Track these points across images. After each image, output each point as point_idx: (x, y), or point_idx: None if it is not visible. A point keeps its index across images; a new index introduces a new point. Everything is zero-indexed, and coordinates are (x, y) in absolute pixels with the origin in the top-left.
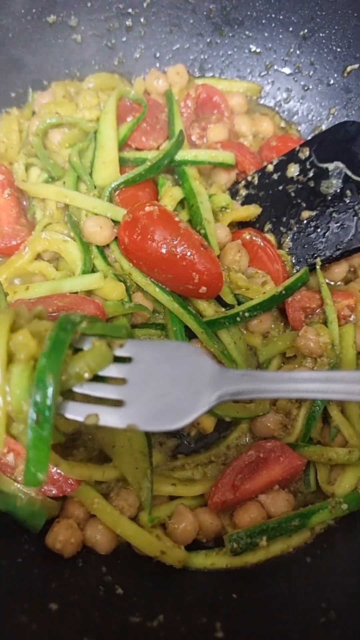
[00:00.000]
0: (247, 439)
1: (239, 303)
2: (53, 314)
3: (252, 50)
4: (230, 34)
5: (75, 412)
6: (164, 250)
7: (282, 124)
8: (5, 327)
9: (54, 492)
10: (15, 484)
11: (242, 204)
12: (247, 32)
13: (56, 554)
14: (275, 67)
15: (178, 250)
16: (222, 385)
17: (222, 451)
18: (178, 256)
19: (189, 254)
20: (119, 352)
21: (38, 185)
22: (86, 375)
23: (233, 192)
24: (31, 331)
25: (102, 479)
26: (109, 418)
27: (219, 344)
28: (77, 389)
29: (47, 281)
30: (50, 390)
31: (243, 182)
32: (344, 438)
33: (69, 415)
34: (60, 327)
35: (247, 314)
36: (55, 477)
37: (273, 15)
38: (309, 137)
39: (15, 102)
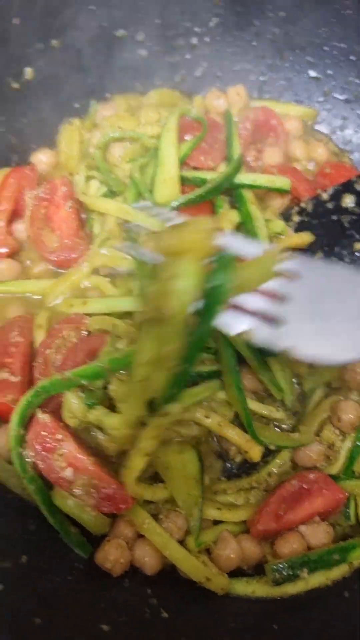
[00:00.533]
0: (289, 467)
1: None
2: None
3: (312, 75)
4: (291, 58)
5: (231, 325)
6: None
7: (336, 151)
8: None
9: (107, 509)
10: (72, 499)
11: (295, 230)
12: (308, 58)
13: (103, 572)
14: (334, 94)
15: None
16: None
17: (263, 477)
18: None
19: None
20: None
21: (100, 199)
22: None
23: (286, 218)
24: None
25: (152, 499)
26: (266, 335)
27: (269, 373)
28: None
29: (105, 298)
30: None
31: (297, 209)
32: None
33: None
34: None
35: None
36: (111, 494)
37: (335, 43)
38: None
39: (77, 113)
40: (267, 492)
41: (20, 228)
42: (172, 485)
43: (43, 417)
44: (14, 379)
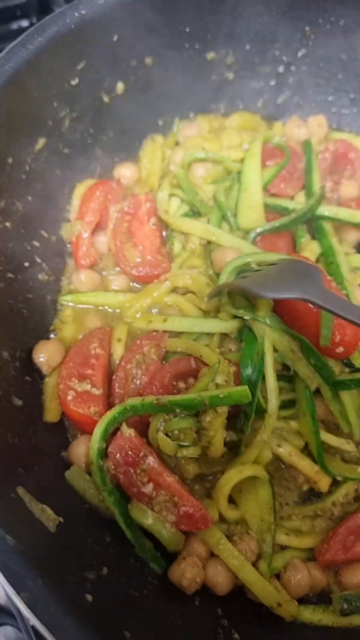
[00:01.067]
0: (353, 497)
1: None
2: None
3: None
4: None
5: None
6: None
7: None
8: None
9: (185, 527)
10: (152, 513)
11: None
12: None
13: (175, 589)
14: None
15: None
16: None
17: (327, 506)
18: None
19: None
20: None
21: (183, 219)
22: None
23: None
24: None
25: (225, 516)
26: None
27: (340, 405)
28: None
29: (187, 317)
30: None
31: None
32: None
33: None
34: None
35: None
36: (191, 512)
37: None
38: None
39: (161, 130)
40: (331, 521)
41: (102, 240)
42: (246, 510)
43: (129, 431)
44: (96, 391)
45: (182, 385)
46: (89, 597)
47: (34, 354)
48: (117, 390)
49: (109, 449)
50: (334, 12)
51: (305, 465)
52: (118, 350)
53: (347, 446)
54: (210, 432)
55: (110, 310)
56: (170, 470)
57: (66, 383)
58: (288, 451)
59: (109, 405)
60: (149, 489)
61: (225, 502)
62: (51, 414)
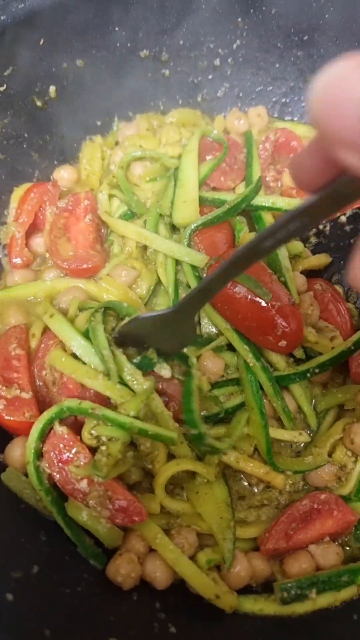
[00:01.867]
0: (301, 485)
1: (307, 357)
2: None
3: None
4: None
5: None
6: (253, 298)
7: None
8: None
9: (120, 521)
10: (87, 510)
11: (312, 252)
12: None
13: (113, 585)
14: None
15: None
16: None
17: (274, 495)
18: (265, 305)
19: (277, 306)
20: None
21: (120, 221)
22: None
23: (303, 239)
24: None
25: (179, 513)
26: None
27: (282, 401)
28: None
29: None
30: None
31: (314, 230)
32: None
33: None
34: None
35: (317, 370)
36: (125, 506)
37: None
38: None
39: (100, 130)
40: (278, 510)
41: (39, 242)
42: (203, 510)
43: (61, 429)
44: (25, 395)
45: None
46: (9, 596)
47: None
48: (44, 397)
49: (44, 448)
50: (265, 1)
51: (254, 468)
52: (33, 347)
53: (301, 437)
54: (154, 453)
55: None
56: None
57: None
58: (235, 458)
59: (40, 407)
60: (83, 485)
61: (162, 492)
62: None
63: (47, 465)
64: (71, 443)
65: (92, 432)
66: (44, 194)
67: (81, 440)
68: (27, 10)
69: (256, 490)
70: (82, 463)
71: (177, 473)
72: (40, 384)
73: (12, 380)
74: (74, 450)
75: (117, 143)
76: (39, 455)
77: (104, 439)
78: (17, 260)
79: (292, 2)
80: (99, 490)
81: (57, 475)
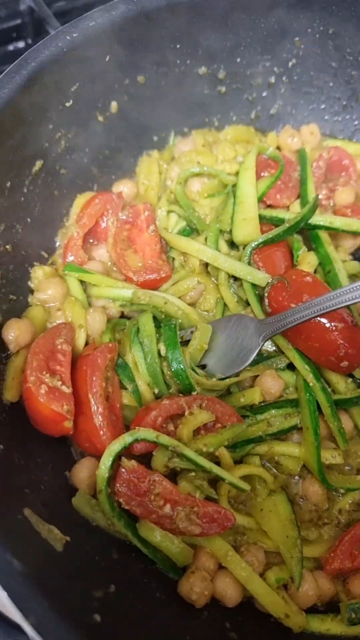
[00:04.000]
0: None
1: None
2: None
3: None
4: None
5: None
6: (316, 319)
7: None
8: None
9: (214, 530)
10: (159, 530)
11: None
12: None
13: (184, 602)
14: None
15: (330, 320)
16: (262, 330)
17: (334, 514)
18: (328, 326)
19: (340, 326)
20: None
21: (182, 238)
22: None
23: (357, 258)
24: None
25: (245, 528)
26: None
27: (339, 422)
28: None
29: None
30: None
31: None
32: None
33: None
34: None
35: None
36: (214, 515)
37: None
38: None
39: (156, 145)
40: (339, 529)
41: (102, 253)
42: (269, 528)
43: (130, 463)
44: (66, 389)
45: (170, 427)
46: (97, 617)
47: (4, 330)
48: (98, 413)
49: (117, 488)
50: (322, 21)
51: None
52: (80, 339)
53: (333, 459)
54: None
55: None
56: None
57: (38, 375)
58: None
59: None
60: (167, 510)
61: (226, 502)
62: (11, 393)
63: (123, 502)
64: (145, 474)
65: (167, 464)
66: (108, 202)
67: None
68: (96, 28)
69: (316, 509)
70: (162, 489)
71: (238, 490)
72: (98, 394)
73: (56, 372)
74: (150, 480)
75: (173, 158)
76: (109, 482)
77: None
78: (71, 258)
79: (348, 22)
80: (185, 510)
81: (138, 509)
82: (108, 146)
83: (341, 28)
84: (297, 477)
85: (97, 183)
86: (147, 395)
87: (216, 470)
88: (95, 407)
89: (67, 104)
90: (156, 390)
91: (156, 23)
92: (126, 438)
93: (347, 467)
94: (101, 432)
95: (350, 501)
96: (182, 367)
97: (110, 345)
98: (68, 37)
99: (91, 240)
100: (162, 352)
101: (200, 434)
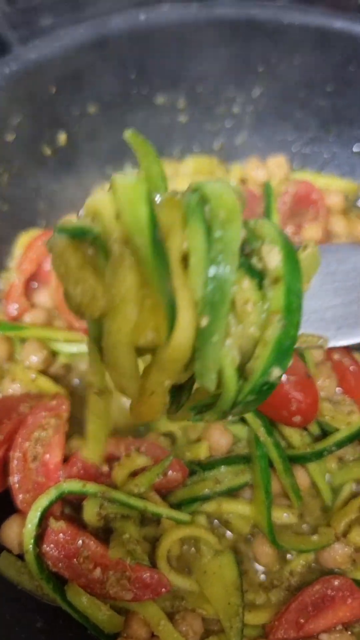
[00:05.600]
0: (312, 566)
1: (323, 430)
2: None
3: (356, 151)
4: (337, 132)
5: None
6: None
7: None
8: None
9: (147, 596)
10: (86, 596)
11: None
12: (354, 132)
13: None
14: None
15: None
16: None
17: (285, 576)
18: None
19: (292, 379)
20: None
21: None
22: None
23: None
24: None
25: (186, 591)
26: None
27: (292, 478)
28: None
29: None
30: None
31: None
32: None
33: None
34: None
35: (334, 448)
36: (148, 581)
37: None
38: None
39: (110, 178)
40: (289, 592)
41: (44, 297)
42: (210, 593)
43: (59, 524)
44: None
45: (105, 468)
46: None
47: None
48: (15, 473)
49: (44, 549)
50: (288, 50)
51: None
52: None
53: (285, 518)
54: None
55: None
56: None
57: None
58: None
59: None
60: (97, 574)
61: (165, 564)
62: None
63: (50, 564)
64: (74, 535)
65: (100, 511)
66: None
67: (80, 527)
68: (38, 59)
69: (266, 571)
70: (91, 552)
71: (182, 550)
72: (19, 454)
73: None
74: (79, 542)
75: None
76: (38, 541)
77: (111, 515)
78: (13, 308)
79: (313, 53)
80: (116, 574)
81: (66, 572)
82: (57, 180)
83: (307, 58)
84: (249, 536)
85: (45, 219)
86: None
87: (151, 507)
88: (13, 470)
89: (9, 139)
90: None
91: (110, 52)
92: (52, 493)
93: (304, 525)
94: (19, 497)
95: (302, 563)
96: None
97: (53, 403)
98: (7, 70)
99: (34, 285)
100: None
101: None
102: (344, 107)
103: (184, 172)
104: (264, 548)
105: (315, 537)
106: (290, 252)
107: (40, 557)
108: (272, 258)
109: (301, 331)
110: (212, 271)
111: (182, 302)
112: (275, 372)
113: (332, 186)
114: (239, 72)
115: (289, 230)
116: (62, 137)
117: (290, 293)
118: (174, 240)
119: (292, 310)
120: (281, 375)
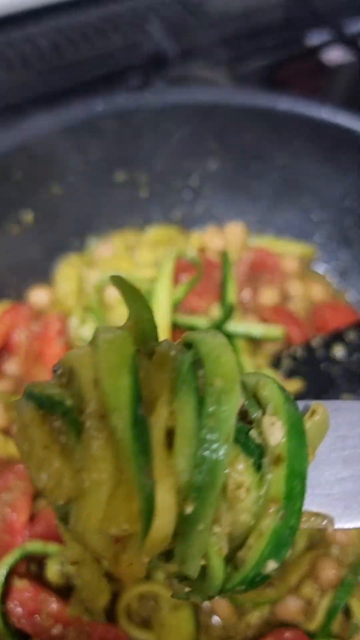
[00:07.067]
0: (268, 618)
1: None
2: None
3: (310, 217)
4: (290, 201)
5: None
6: None
7: (332, 291)
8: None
9: None
10: None
11: (285, 375)
12: (306, 201)
13: None
14: (331, 235)
15: None
16: None
17: (241, 629)
18: None
19: None
20: None
21: None
22: None
23: (276, 362)
24: None
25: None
26: None
27: None
28: None
29: None
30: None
31: (287, 352)
32: None
33: None
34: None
35: None
36: (105, 637)
37: (332, 191)
38: (356, 308)
39: (77, 249)
40: None
41: (13, 367)
42: None
43: (22, 583)
44: None
45: None
46: None
47: None
48: None
49: (9, 606)
50: (238, 129)
51: None
52: None
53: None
54: None
55: None
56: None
57: None
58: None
59: None
60: (58, 630)
61: (124, 619)
62: None
63: (15, 620)
64: (37, 592)
65: (62, 569)
66: (17, 318)
67: (43, 585)
68: (4, 150)
69: (224, 624)
70: (52, 608)
71: (142, 603)
72: None
73: None
74: (40, 598)
75: (94, 263)
76: (4, 598)
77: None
78: None
79: (262, 130)
80: (76, 630)
81: (29, 628)
82: (25, 254)
83: (256, 135)
84: None
85: (13, 289)
86: None
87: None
88: None
89: None
90: None
91: (71, 138)
92: (16, 553)
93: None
94: None
95: (258, 615)
96: None
97: (20, 467)
98: None
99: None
100: None
101: None
102: (295, 179)
103: (146, 241)
104: (221, 602)
105: (269, 590)
106: (295, 424)
107: (5, 613)
108: (275, 433)
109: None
110: (200, 453)
111: (163, 488)
112: (271, 565)
113: (288, 250)
114: (194, 149)
115: (247, 294)
116: (29, 217)
117: (294, 476)
118: (160, 414)
119: (294, 497)
120: (277, 567)
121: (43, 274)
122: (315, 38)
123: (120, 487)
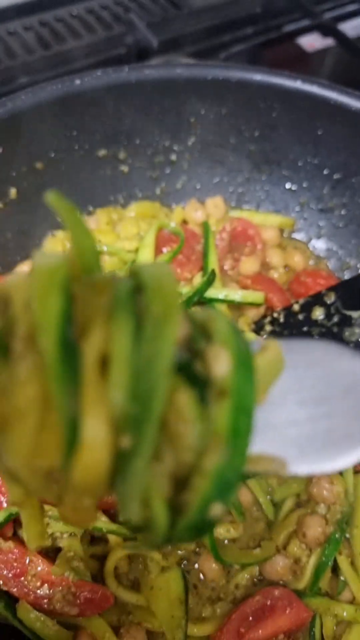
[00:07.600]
0: (257, 578)
1: None
2: None
3: (288, 188)
4: (268, 172)
5: None
6: None
7: (313, 258)
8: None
9: (91, 612)
10: (34, 612)
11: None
12: (284, 172)
13: None
14: (309, 204)
15: None
16: None
17: (230, 590)
18: None
19: None
20: None
21: None
22: None
23: (258, 327)
24: None
25: (133, 606)
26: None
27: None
28: None
29: None
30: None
31: (269, 318)
32: (352, 593)
33: None
34: None
35: None
36: (90, 596)
37: (309, 160)
38: (337, 275)
39: (61, 226)
40: (234, 605)
41: None
42: (156, 607)
43: (7, 544)
44: None
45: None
46: None
47: None
48: None
49: None
50: (214, 102)
51: None
52: None
53: (227, 534)
54: None
55: None
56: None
57: None
58: None
59: None
60: (45, 591)
61: (112, 581)
62: None
63: (1, 583)
64: (22, 554)
65: (47, 530)
66: None
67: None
68: None
69: (213, 585)
70: (39, 569)
71: (132, 566)
72: None
73: None
74: (27, 561)
75: None
76: None
77: (58, 534)
78: None
79: (238, 102)
80: (62, 590)
81: (16, 590)
82: (10, 229)
83: (233, 108)
84: (197, 549)
85: (0, 265)
86: None
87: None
88: None
89: None
90: None
91: (50, 114)
92: (1, 515)
93: (250, 540)
94: None
95: (246, 576)
96: None
97: None
98: None
99: None
100: None
101: None
102: (272, 149)
103: (129, 217)
104: (209, 564)
105: (257, 551)
106: (244, 358)
107: None
108: (219, 365)
109: (252, 450)
110: (137, 382)
111: (94, 417)
112: (216, 508)
113: (267, 222)
114: (173, 124)
115: (228, 263)
116: (12, 192)
117: (239, 412)
118: (93, 338)
119: (239, 434)
120: (223, 512)
121: (29, 250)
122: (294, 25)
123: (50, 416)
